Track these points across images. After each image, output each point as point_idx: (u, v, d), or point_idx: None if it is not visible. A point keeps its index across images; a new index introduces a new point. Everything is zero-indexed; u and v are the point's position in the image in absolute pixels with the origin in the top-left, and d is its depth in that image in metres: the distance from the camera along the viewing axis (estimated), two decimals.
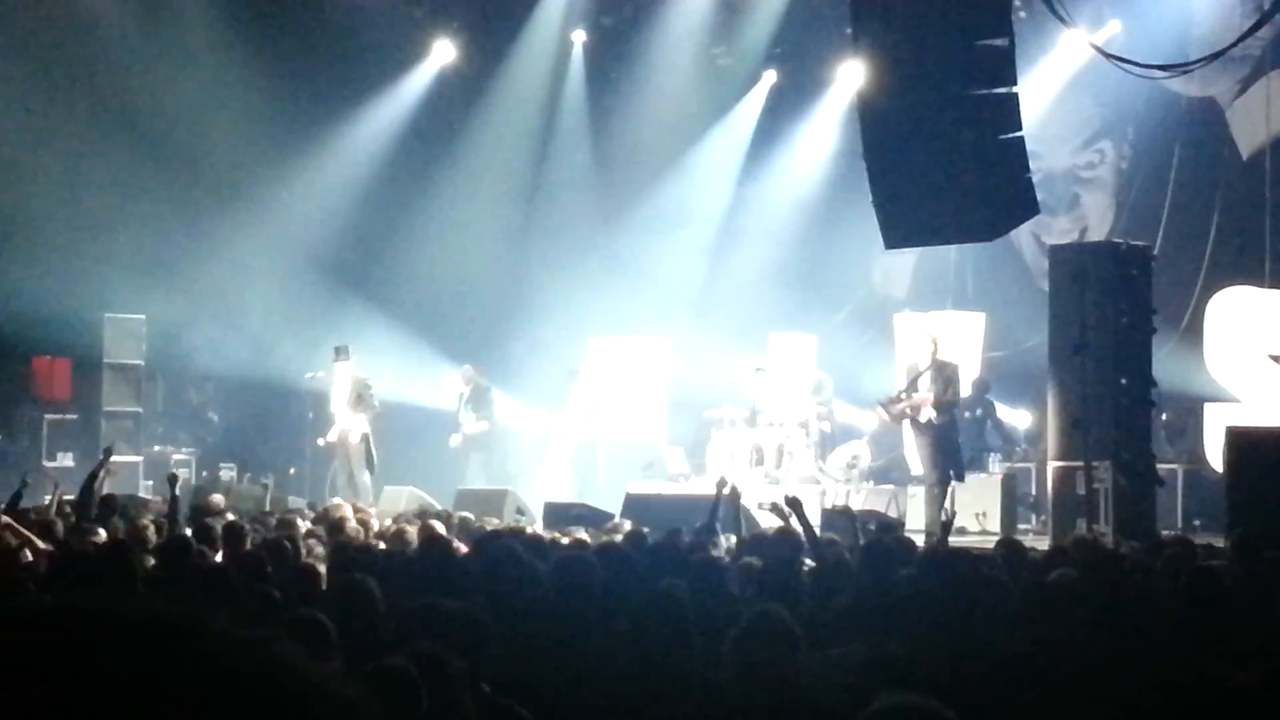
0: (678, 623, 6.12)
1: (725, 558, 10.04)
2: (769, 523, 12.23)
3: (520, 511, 16.34)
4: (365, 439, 19.12)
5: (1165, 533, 15.41)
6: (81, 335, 21.02)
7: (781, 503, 10.86)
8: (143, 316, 21.55)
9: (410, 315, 22.66)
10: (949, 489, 16.45)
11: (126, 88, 21.26)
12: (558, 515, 15.12)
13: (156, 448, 21.38)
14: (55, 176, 21.00)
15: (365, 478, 18.95)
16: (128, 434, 20.86)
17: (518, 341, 23.12)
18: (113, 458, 17.07)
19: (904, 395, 16.87)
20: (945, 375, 16.72)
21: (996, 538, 14.01)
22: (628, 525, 12.80)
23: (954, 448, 16.71)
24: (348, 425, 19.20)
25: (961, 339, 20.90)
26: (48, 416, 20.94)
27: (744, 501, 13.27)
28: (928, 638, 6.00)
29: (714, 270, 24.41)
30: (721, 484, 12.42)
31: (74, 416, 21.08)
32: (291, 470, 20.89)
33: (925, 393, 16.63)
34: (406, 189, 23.88)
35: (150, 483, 20.03)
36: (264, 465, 21.00)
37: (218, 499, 14.78)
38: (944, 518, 14.51)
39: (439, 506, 16.19)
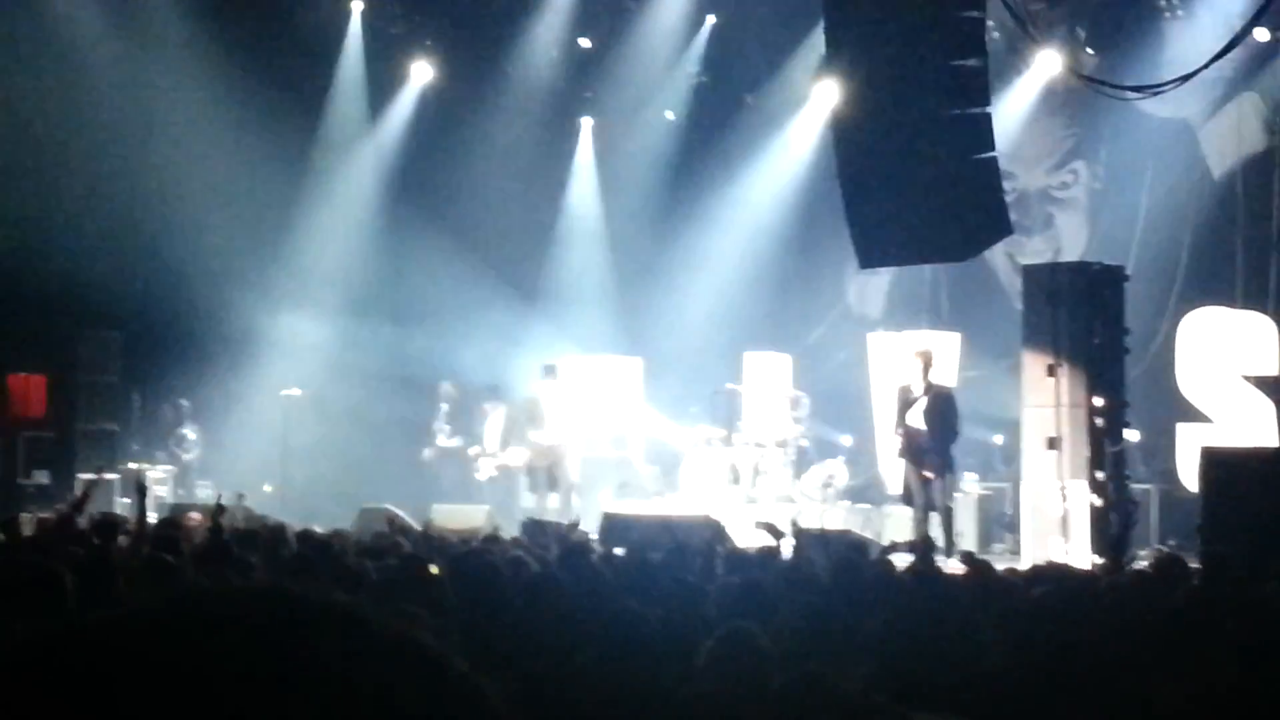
0: (645, 642, 6.13)
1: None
2: (748, 542, 12.27)
3: (497, 529, 16.34)
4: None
5: (1158, 548, 15.53)
6: (57, 352, 20.97)
7: (775, 520, 10.91)
8: (118, 333, 21.53)
9: (388, 332, 22.70)
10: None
11: (109, 120, 21.32)
12: (536, 532, 15.11)
13: (133, 465, 21.31)
14: (29, 192, 20.97)
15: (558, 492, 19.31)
16: (104, 451, 20.81)
17: (496, 360, 23.10)
18: (88, 475, 17.08)
19: (899, 429, 16.80)
20: (942, 407, 16.61)
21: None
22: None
23: (941, 480, 16.68)
24: (552, 442, 19.40)
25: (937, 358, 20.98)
26: (23, 434, 20.85)
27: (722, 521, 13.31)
28: (899, 656, 6.03)
29: (688, 288, 24.44)
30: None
31: (50, 434, 21.01)
32: (267, 487, 20.84)
33: (919, 423, 16.57)
34: (382, 205, 23.94)
35: (127, 500, 19.97)
36: (241, 483, 20.94)
37: (195, 517, 14.75)
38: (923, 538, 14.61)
39: (414, 524, 16.18)
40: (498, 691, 1.09)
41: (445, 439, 21.34)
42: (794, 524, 10.82)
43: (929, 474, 16.44)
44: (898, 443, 16.73)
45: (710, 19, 24.31)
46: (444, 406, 21.52)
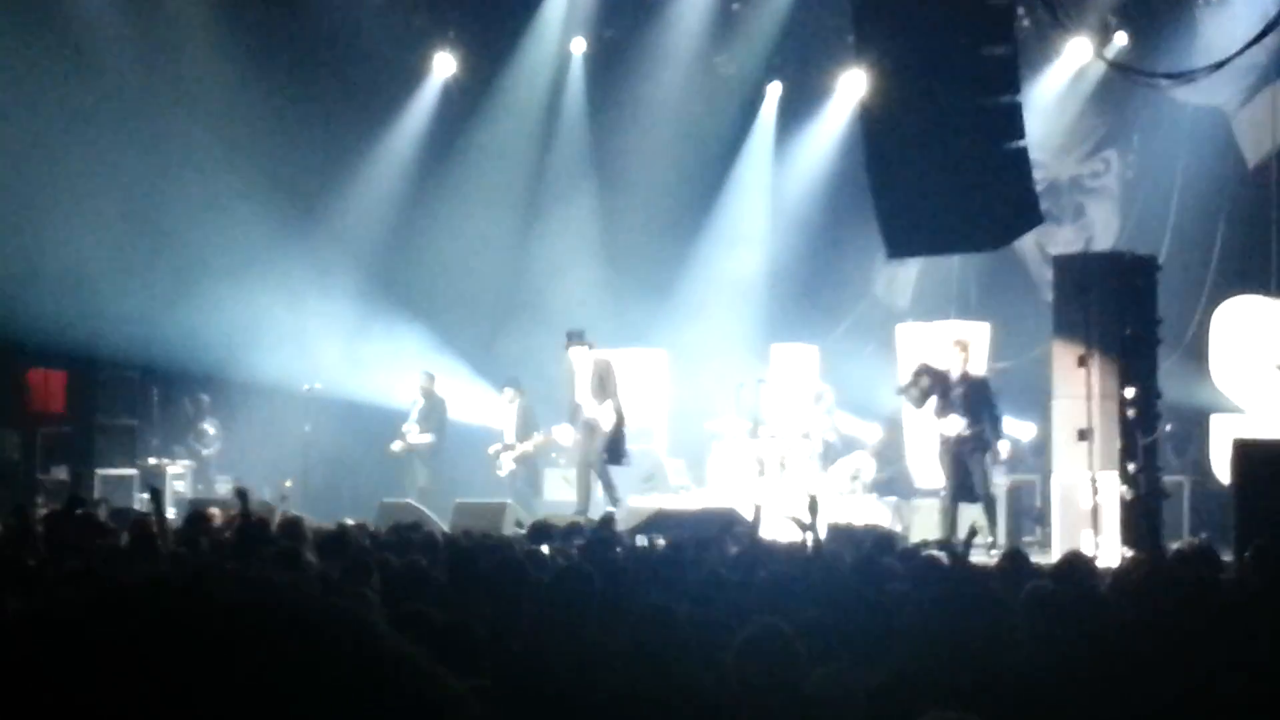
0: (672, 637, 5.98)
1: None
2: (774, 534, 12.11)
3: (519, 524, 16.20)
4: (616, 427, 18.75)
5: (1190, 540, 15.35)
6: (77, 347, 20.87)
7: (802, 513, 10.52)
8: (139, 329, 21.42)
9: (408, 326, 22.59)
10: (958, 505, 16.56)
11: (128, 111, 21.24)
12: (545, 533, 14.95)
13: (152, 460, 21.22)
14: (51, 190, 20.91)
15: (605, 470, 18.64)
16: (123, 447, 20.73)
17: (517, 352, 22.96)
18: (107, 470, 16.96)
19: (918, 380, 16.96)
20: (981, 395, 16.78)
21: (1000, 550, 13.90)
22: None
23: (981, 469, 16.76)
24: (595, 415, 18.79)
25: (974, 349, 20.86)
26: (43, 429, 20.75)
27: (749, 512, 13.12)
28: (928, 654, 5.85)
29: (715, 280, 24.28)
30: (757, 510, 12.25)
31: (69, 429, 20.92)
32: (287, 482, 20.71)
33: (959, 413, 16.70)
34: (407, 199, 23.84)
35: (145, 495, 19.87)
36: (261, 478, 20.86)
37: (214, 512, 14.63)
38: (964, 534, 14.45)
39: (435, 518, 16.10)
40: (441, 671, 1.06)
41: (416, 436, 21.06)
42: (812, 502, 10.49)
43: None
44: (956, 427, 16.74)
45: (735, 8, 24.14)
46: (420, 400, 21.25)
